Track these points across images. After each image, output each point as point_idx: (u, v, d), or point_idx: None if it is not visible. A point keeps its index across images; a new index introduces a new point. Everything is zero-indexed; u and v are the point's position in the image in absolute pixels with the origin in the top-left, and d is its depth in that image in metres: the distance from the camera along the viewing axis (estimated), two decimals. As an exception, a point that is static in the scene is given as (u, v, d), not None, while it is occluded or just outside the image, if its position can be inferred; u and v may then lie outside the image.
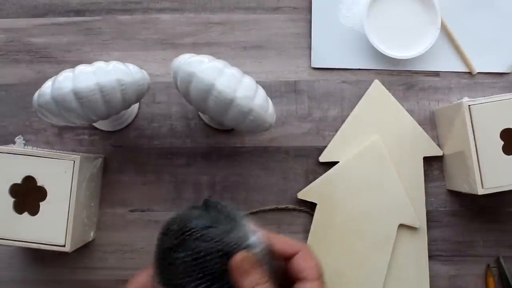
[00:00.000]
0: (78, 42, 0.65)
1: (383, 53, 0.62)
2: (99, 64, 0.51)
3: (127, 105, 0.54)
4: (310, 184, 0.62)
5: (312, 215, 0.62)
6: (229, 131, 0.64)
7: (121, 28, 0.65)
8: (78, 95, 0.49)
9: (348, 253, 0.61)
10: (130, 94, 0.52)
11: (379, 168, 0.61)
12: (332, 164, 0.62)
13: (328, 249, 0.61)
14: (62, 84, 0.50)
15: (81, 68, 0.51)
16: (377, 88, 0.63)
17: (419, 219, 0.61)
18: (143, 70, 0.55)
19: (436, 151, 0.62)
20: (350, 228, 0.61)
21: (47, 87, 0.51)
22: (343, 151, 0.62)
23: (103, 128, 0.63)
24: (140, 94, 0.54)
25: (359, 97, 0.64)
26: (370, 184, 0.61)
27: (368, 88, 0.63)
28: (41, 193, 0.54)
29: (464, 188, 0.57)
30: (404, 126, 0.63)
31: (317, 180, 0.62)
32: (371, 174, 0.61)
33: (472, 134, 0.54)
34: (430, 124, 0.64)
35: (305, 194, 0.62)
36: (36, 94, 0.52)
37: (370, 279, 0.60)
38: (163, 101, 0.64)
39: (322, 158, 0.63)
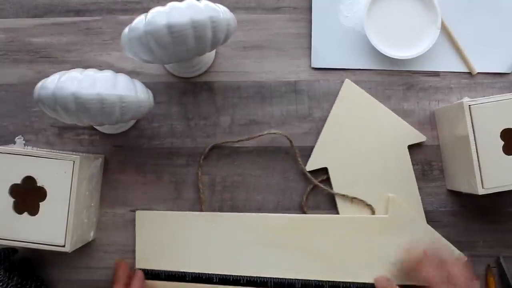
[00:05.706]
0: (78, 42, 0.65)
1: (383, 53, 0.62)
2: (191, 2, 0.52)
3: (215, 43, 0.54)
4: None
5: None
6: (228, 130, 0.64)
7: (121, 28, 0.65)
8: (171, 29, 0.51)
9: None
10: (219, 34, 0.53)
11: None
12: (320, 170, 0.62)
13: None
14: (156, 19, 0.51)
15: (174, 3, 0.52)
16: (348, 87, 0.63)
17: (418, 214, 0.61)
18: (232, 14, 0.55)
19: (419, 138, 0.62)
20: None
21: (138, 22, 0.52)
22: (328, 156, 0.62)
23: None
24: (228, 34, 0.55)
25: (359, 97, 0.64)
26: None
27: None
28: (41, 193, 0.54)
29: (464, 188, 0.57)
30: (383, 119, 0.62)
31: None
32: None
33: (472, 134, 0.54)
34: (430, 124, 0.64)
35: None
36: (127, 29, 0.54)
37: None
38: (163, 101, 0.64)
39: (309, 167, 0.62)
